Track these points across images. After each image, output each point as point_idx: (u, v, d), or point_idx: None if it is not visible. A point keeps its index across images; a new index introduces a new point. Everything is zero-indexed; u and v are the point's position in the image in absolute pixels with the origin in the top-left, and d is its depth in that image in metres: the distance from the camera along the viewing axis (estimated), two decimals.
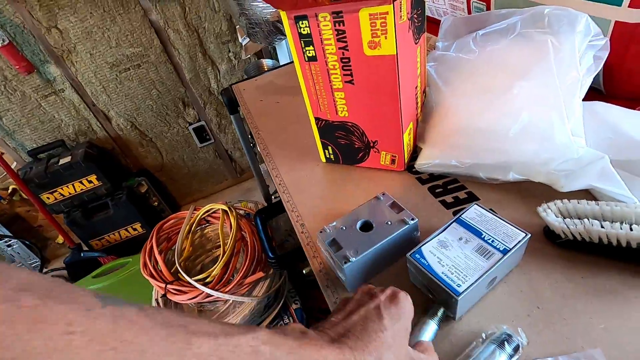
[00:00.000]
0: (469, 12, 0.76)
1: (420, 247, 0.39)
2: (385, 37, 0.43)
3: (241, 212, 1.04)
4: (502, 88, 0.50)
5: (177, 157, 1.91)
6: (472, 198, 0.50)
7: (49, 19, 1.36)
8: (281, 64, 1.44)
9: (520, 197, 0.49)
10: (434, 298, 0.38)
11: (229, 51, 1.70)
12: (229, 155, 2.04)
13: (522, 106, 0.48)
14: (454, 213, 0.49)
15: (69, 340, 0.17)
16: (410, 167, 0.58)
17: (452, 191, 0.52)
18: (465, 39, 0.60)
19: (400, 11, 0.42)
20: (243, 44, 1.43)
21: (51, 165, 1.51)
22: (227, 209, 0.96)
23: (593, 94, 0.56)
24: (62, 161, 1.51)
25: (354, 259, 0.39)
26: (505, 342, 0.33)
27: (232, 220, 0.92)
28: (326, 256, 0.44)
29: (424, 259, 0.38)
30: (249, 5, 1.01)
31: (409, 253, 0.38)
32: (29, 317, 0.16)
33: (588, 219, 0.37)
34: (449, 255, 0.37)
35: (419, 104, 0.58)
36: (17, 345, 0.16)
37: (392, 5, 0.40)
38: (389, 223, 0.43)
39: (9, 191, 1.66)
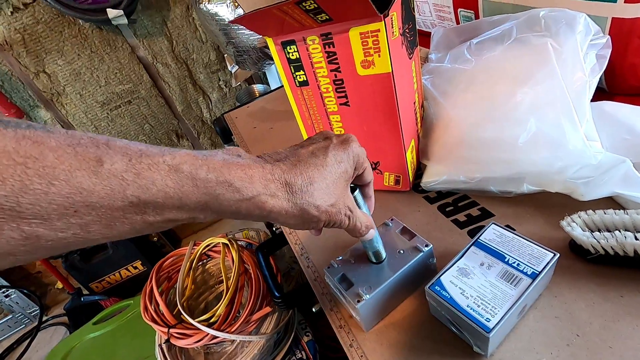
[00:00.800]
0: (457, 22, 0.74)
1: (439, 277, 0.35)
2: (379, 55, 0.41)
3: (242, 243, 1.00)
4: (504, 96, 0.48)
5: None
6: (486, 214, 0.47)
7: (37, 64, 1.36)
8: (272, 88, 1.43)
9: (538, 210, 0.45)
10: (459, 333, 0.35)
11: (219, 80, 1.70)
12: None
13: (528, 113, 0.45)
14: (469, 233, 0.45)
15: None
16: (416, 186, 0.55)
17: (464, 208, 0.49)
18: (459, 49, 0.58)
19: (392, 27, 0.40)
20: (232, 72, 1.43)
21: None
22: (227, 242, 0.92)
23: (596, 93, 0.54)
24: None
25: (367, 296, 0.35)
26: None
27: (233, 253, 0.89)
28: (336, 294, 0.41)
29: (445, 290, 0.34)
30: (235, 34, 1.00)
31: (428, 285, 0.35)
32: None
33: (620, 231, 0.34)
34: (472, 284, 0.34)
35: (419, 120, 0.56)
36: None
37: (383, 22, 0.38)
38: (402, 252, 0.39)
39: None
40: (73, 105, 1.48)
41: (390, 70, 0.41)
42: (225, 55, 1.58)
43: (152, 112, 1.63)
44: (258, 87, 1.58)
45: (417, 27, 0.86)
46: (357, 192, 0.33)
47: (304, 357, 0.89)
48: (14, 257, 0.19)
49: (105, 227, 0.20)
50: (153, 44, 1.50)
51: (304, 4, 0.35)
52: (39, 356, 1.59)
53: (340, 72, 0.44)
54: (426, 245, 0.39)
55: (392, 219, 0.43)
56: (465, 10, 0.70)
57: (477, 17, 0.68)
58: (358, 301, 0.35)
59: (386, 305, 0.38)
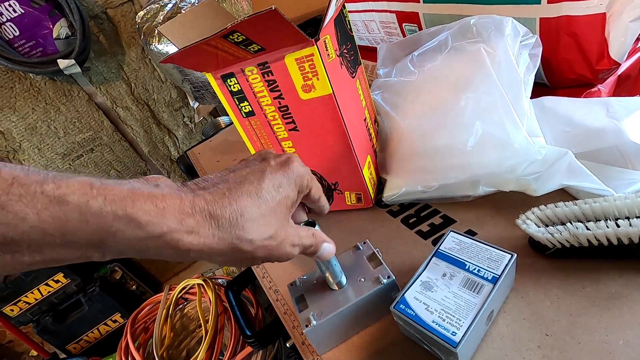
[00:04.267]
0: (404, 36, 0.77)
1: (404, 294, 0.34)
2: (317, 79, 0.41)
3: (222, 280, 0.97)
4: (449, 103, 0.49)
5: None
6: (448, 222, 0.47)
7: None
8: None
9: (497, 210, 0.46)
10: (430, 350, 0.33)
11: (184, 116, 1.69)
12: None
13: (473, 117, 0.46)
14: (433, 242, 0.45)
15: None
16: (379, 201, 0.54)
17: (426, 218, 0.49)
18: (403, 62, 0.59)
19: (327, 50, 0.41)
20: (194, 107, 1.42)
21: (10, 274, 1.39)
22: (202, 282, 0.88)
23: (541, 89, 0.56)
24: None
25: (315, 322, 0.34)
26: None
27: (209, 294, 0.85)
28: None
29: (410, 308, 0.33)
30: (189, 70, 1.00)
31: (393, 304, 0.34)
32: None
33: (571, 223, 0.34)
34: (435, 297, 0.33)
35: (373, 135, 0.56)
36: None
37: (315, 46, 0.38)
38: (362, 280, 0.37)
39: None
40: (32, 160, 1.43)
41: (332, 92, 0.42)
42: (185, 91, 1.58)
43: (117, 157, 1.59)
44: (224, 119, 1.57)
45: (368, 44, 0.88)
46: (317, 227, 0.32)
47: None
48: None
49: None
50: (111, 89, 1.48)
51: (231, 37, 0.35)
52: None
53: (283, 98, 0.44)
54: (388, 277, 0.37)
55: (364, 242, 0.42)
56: (409, 24, 0.73)
57: (420, 29, 0.71)
58: (306, 325, 0.34)
59: (341, 331, 0.37)
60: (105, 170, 1.59)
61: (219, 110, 1.75)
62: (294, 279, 0.40)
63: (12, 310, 1.41)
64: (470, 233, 0.44)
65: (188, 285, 0.93)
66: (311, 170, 0.51)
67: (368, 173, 0.52)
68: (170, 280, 1.94)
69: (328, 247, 0.32)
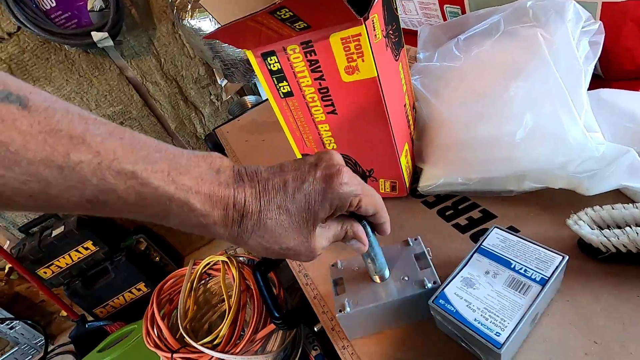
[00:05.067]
0: (444, 19, 0.73)
1: (443, 289, 0.33)
2: (362, 60, 0.39)
3: (242, 259, 0.98)
4: (496, 91, 0.46)
5: None
6: (487, 216, 0.45)
7: None
8: (263, 99, 1.42)
9: (542, 208, 0.43)
10: (469, 348, 0.32)
11: (210, 94, 1.69)
12: None
13: (523, 107, 0.43)
14: (472, 237, 0.43)
15: None
16: (413, 191, 0.53)
17: (464, 211, 0.47)
18: (447, 47, 0.56)
19: (374, 30, 0.39)
20: (223, 86, 1.41)
21: (44, 238, 1.46)
22: (226, 259, 0.90)
23: (591, 81, 0.52)
24: (55, 232, 1.46)
25: (348, 309, 0.34)
26: None
27: (233, 271, 0.86)
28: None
29: (450, 304, 0.32)
30: (220, 47, 0.99)
31: (432, 299, 0.33)
32: None
33: (630, 227, 0.32)
34: (478, 295, 0.32)
35: (411, 122, 0.54)
36: None
37: (363, 25, 0.36)
38: (406, 279, 0.36)
39: (6, 271, 1.60)
40: None
41: (376, 75, 0.40)
42: (215, 69, 1.57)
43: (145, 131, 1.62)
44: (250, 99, 1.56)
45: (404, 27, 0.85)
46: (364, 222, 0.31)
47: None
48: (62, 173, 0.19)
49: (57, 208, 0.21)
50: (141, 64, 1.49)
51: (278, 13, 0.33)
52: None
53: (324, 80, 0.42)
54: (434, 282, 0.35)
55: (415, 238, 0.40)
56: (451, 6, 0.69)
57: (463, 12, 0.67)
58: (340, 310, 0.34)
59: (375, 324, 0.37)
60: None
61: (245, 90, 1.74)
62: (336, 260, 0.40)
63: (45, 272, 1.48)
64: (512, 230, 0.42)
65: (212, 261, 0.94)
66: (345, 155, 0.50)
67: (405, 161, 0.50)
68: (192, 255, 2.00)
69: (355, 245, 0.31)
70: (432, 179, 0.50)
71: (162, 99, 1.59)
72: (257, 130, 0.91)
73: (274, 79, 0.45)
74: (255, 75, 1.10)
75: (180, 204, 0.23)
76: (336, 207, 0.27)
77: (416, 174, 0.55)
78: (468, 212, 0.47)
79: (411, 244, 0.39)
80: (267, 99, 1.13)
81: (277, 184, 0.26)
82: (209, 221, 0.24)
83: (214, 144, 1.00)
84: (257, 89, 1.69)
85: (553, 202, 0.43)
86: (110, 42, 1.31)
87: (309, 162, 0.28)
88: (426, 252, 0.38)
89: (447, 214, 0.48)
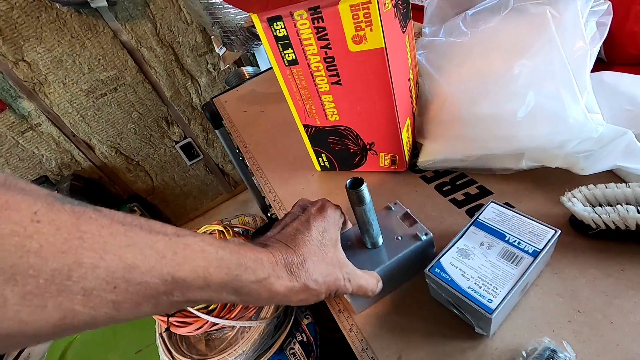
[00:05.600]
0: None
1: (439, 259, 0.35)
2: (371, 29, 0.38)
3: (239, 229, 0.99)
4: (500, 69, 0.46)
5: (167, 178, 1.86)
6: (484, 193, 0.46)
7: (15, 52, 1.30)
8: (262, 70, 1.40)
9: (537, 186, 0.44)
10: (460, 315, 0.34)
11: (207, 63, 1.65)
12: (220, 170, 1.99)
13: (526, 86, 0.44)
14: (468, 212, 0.45)
15: (37, 227, 0.17)
16: (412, 166, 0.54)
17: (462, 187, 0.48)
18: (453, 22, 0.55)
19: None
20: (220, 54, 1.38)
21: None
22: (222, 229, 0.91)
23: (594, 64, 0.53)
24: None
25: None
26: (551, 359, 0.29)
27: None
28: None
29: (445, 272, 0.33)
30: (220, 13, 0.96)
31: (428, 268, 0.34)
32: None
33: (621, 205, 0.33)
34: (472, 265, 0.33)
35: (414, 97, 0.54)
36: None
37: None
38: (399, 238, 0.38)
39: None
40: (57, 94, 1.43)
41: (383, 45, 0.39)
42: (212, 37, 1.53)
43: (140, 99, 1.59)
44: (247, 69, 1.53)
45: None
46: (364, 185, 0.33)
47: (305, 340, 0.89)
48: (36, 338, 0.18)
49: (134, 306, 0.20)
50: (136, 27, 1.45)
51: None
52: (40, 348, 1.60)
53: (330, 48, 0.42)
54: (426, 234, 0.37)
55: (395, 203, 0.42)
56: None
57: None
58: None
59: (384, 289, 0.38)
60: (128, 111, 1.59)
61: (243, 61, 1.70)
62: None
63: None
64: (508, 206, 0.43)
65: (209, 230, 0.95)
66: (347, 127, 0.50)
67: (406, 136, 0.51)
68: (185, 225, 2.01)
69: (380, 285, 0.36)
70: (432, 155, 0.51)
71: (158, 66, 1.55)
72: (256, 101, 0.90)
73: (279, 45, 0.44)
74: (255, 45, 1.08)
75: (239, 265, 0.25)
76: (337, 225, 0.35)
77: (415, 149, 0.56)
78: (465, 188, 0.48)
79: (392, 208, 0.41)
80: (265, 70, 1.10)
81: (292, 232, 0.31)
82: (264, 275, 0.27)
83: (212, 114, 0.99)
84: (256, 59, 1.66)
85: (548, 181, 0.44)
86: (104, 2, 1.26)
87: (298, 211, 0.35)
88: (409, 211, 0.40)
89: (444, 189, 0.49)
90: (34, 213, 0.17)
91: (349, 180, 0.33)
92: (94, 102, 1.51)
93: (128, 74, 1.51)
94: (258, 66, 1.61)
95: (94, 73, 1.45)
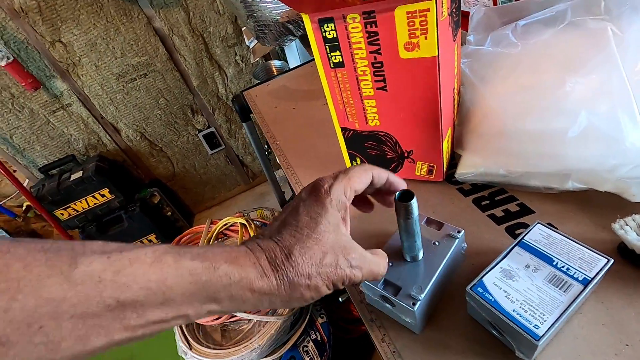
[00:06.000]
0: (494, 3, 0.70)
1: (482, 278, 0.34)
2: (426, 37, 0.38)
3: (257, 223, 1.00)
4: (551, 85, 0.45)
5: (188, 166, 1.89)
6: (525, 211, 0.45)
7: (53, 33, 1.33)
8: (291, 66, 1.39)
9: (582, 209, 0.43)
10: (500, 336, 0.33)
11: (236, 54, 1.66)
12: (240, 161, 2.01)
13: (578, 104, 0.42)
14: (507, 230, 0.44)
15: None
16: (448, 177, 0.53)
17: (501, 203, 0.47)
18: (501, 32, 0.54)
19: (442, 7, 0.37)
20: (250, 47, 1.38)
21: (63, 181, 1.49)
22: (245, 222, 0.92)
23: None
24: (73, 176, 1.49)
25: (421, 296, 0.34)
26: None
27: (251, 233, 0.88)
28: (377, 302, 0.38)
29: (488, 292, 0.33)
30: (257, 7, 0.96)
31: (469, 286, 0.33)
32: None
33: None
34: (517, 287, 0.32)
35: (456, 107, 0.53)
36: None
37: (434, 0, 0.35)
38: (436, 243, 0.38)
39: (24, 208, 1.65)
40: (89, 76, 1.46)
41: (437, 54, 0.38)
42: (243, 29, 1.53)
43: (168, 86, 1.61)
44: (276, 64, 1.53)
45: None
46: (414, 199, 0.31)
47: (319, 338, 0.90)
48: None
49: (77, 342, 0.18)
50: (169, 15, 1.46)
51: None
52: None
53: (380, 54, 0.41)
54: (458, 231, 0.38)
55: None
56: None
57: None
58: (413, 304, 0.33)
59: (432, 303, 0.37)
60: (155, 97, 1.61)
61: (271, 55, 1.70)
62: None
63: (62, 214, 1.52)
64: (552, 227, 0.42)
65: (230, 222, 0.96)
66: (387, 133, 0.50)
67: (446, 146, 0.50)
68: (203, 213, 2.04)
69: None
70: (471, 167, 0.50)
71: (187, 54, 1.57)
72: (288, 98, 0.89)
73: (327, 47, 0.44)
74: (287, 40, 1.07)
75: (205, 269, 0.23)
76: (337, 202, 0.28)
77: (452, 160, 0.55)
78: (505, 205, 0.46)
79: None
80: (295, 67, 1.10)
81: (279, 224, 0.28)
82: (241, 275, 0.24)
83: (241, 107, 0.99)
84: (284, 54, 1.66)
85: (594, 204, 0.43)
86: None
87: (296, 197, 0.31)
88: (431, 217, 0.40)
89: (482, 203, 0.48)
90: None
91: (398, 192, 0.32)
92: (123, 86, 1.53)
93: (158, 61, 1.53)
94: (287, 61, 1.61)
95: (126, 58, 1.47)
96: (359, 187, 0.31)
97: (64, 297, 0.17)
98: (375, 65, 0.43)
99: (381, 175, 0.33)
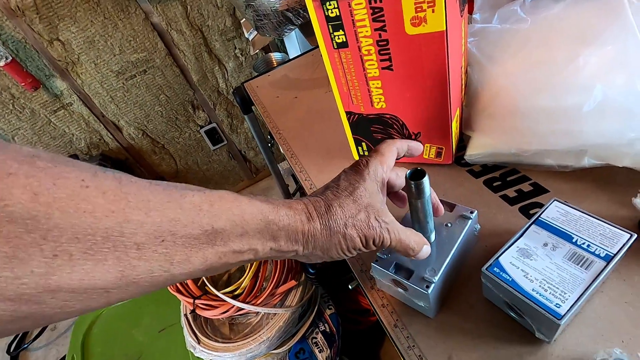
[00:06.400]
0: None
1: (497, 257, 0.32)
2: (433, 11, 0.36)
3: None
4: (564, 60, 0.43)
5: (191, 162, 1.88)
6: (539, 190, 0.43)
7: (50, 31, 1.32)
8: (291, 57, 1.37)
9: (599, 186, 0.42)
10: (519, 318, 0.32)
11: (235, 48, 1.64)
12: (242, 156, 2.00)
13: (593, 78, 0.40)
14: (521, 210, 0.42)
15: (87, 192, 0.19)
16: (457, 159, 0.51)
17: (513, 183, 0.45)
18: (509, 8, 0.52)
19: None
20: (250, 39, 1.36)
21: None
22: None
23: None
24: None
25: (435, 278, 0.32)
26: None
27: None
28: (390, 286, 0.37)
29: (505, 272, 0.31)
30: None
31: (485, 266, 0.32)
32: (48, 174, 0.18)
33: None
34: (535, 266, 0.31)
35: (463, 87, 0.51)
36: (47, 194, 0.17)
37: None
38: (449, 225, 0.37)
39: None
40: (88, 74, 1.45)
41: (445, 29, 0.37)
42: (242, 21, 1.51)
43: (168, 82, 1.59)
44: (276, 56, 1.51)
45: None
46: (427, 177, 0.30)
47: (327, 330, 0.89)
48: (108, 294, 0.20)
49: (184, 258, 0.22)
50: (167, 10, 1.44)
51: None
52: (68, 320, 1.66)
53: (385, 31, 0.40)
54: (471, 212, 0.37)
55: None
56: None
57: None
58: (427, 286, 0.32)
59: (446, 286, 0.36)
60: (156, 94, 1.60)
61: (271, 47, 1.68)
62: (375, 256, 0.37)
63: None
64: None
65: None
66: (393, 115, 0.48)
67: (455, 127, 0.48)
68: None
69: (427, 250, 0.33)
70: (481, 148, 0.48)
71: (186, 49, 1.55)
72: (289, 87, 0.88)
73: (330, 26, 0.42)
74: (287, 30, 1.05)
75: (271, 210, 0.27)
76: (374, 174, 0.32)
77: (461, 142, 0.53)
78: (517, 185, 0.45)
79: None
80: (295, 57, 1.08)
81: (322, 189, 0.33)
82: (293, 219, 0.28)
83: (242, 98, 0.98)
84: (284, 46, 1.64)
85: (611, 180, 0.41)
86: None
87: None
88: (441, 199, 0.39)
89: (494, 184, 0.46)
90: (82, 180, 0.19)
91: (409, 170, 0.31)
92: (123, 83, 1.52)
93: (157, 57, 1.52)
94: (287, 53, 1.59)
95: (125, 54, 1.46)
96: (391, 162, 0.34)
97: (179, 218, 0.22)
98: (380, 43, 0.41)
99: (402, 145, 0.36)
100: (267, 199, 0.28)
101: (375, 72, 0.44)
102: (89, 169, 0.20)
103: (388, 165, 0.34)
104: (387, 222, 0.31)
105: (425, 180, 0.30)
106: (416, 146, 0.37)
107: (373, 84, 0.46)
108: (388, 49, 0.41)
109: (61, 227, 0.17)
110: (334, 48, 0.44)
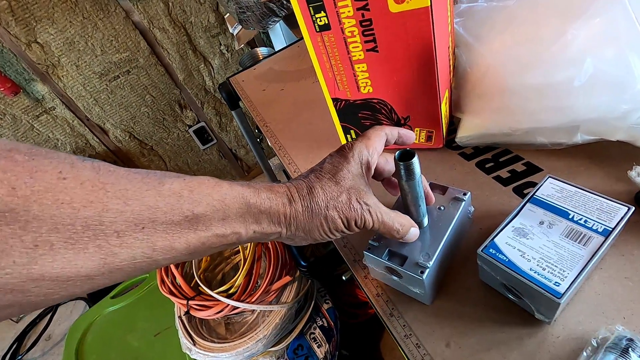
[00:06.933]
0: None
1: (493, 238, 0.31)
2: None
3: None
4: (552, 35, 0.42)
5: (181, 163, 1.85)
6: (532, 169, 0.42)
7: (27, 33, 1.28)
8: (276, 50, 1.35)
9: (593, 161, 0.41)
10: (517, 299, 0.31)
11: (220, 44, 1.61)
12: (233, 154, 1.97)
13: (582, 52, 0.39)
14: (515, 190, 0.41)
15: (64, 183, 0.19)
16: (448, 142, 0.50)
17: (506, 164, 0.44)
18: None
19: None
20: (234, 34, 1.34)
21: None
22: None
23: None
24: None
25: (430, 263, 0.31)
26: (630, 350, 0.25)
27: None
28: (384, 274, 0.36)
29: (502, 253, 0.30)
30: None
31: (481, 248, 0.31)
32: (26, 168, 0.18)
33: None
34: (532, 245, 0.30)
35: (451, 68, 0.50)
36: (25, 188, 0.18)
37: None
38: (442, 208, 0.36)
39: None
40: (70, 77, 1.41)
41: (429, 4, 0.35)
42: (226, 16, 1.49)
43: (153, 81, 1.56)
44: (262, 50, 1.49)
45: None
46: (416, 157, 0.29)
47: (325, 325, 0.88)
48: (92, 281, 0.20)
49: (166, 245, 0.22)
50: (148, 7, 1.41)
51: None
52: (61, 329, 1.63)
53: (368, 10, 0.38)
54: (464, 193, 0.36)
55: None
56: None
57: None
58: (421, 272, 0.31)
59: (441, 271, 0.35)
60: (141, 94, 1.57)
61: (257, 41, 1.66)
62: (367, 244, 0.36)
63: None
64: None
65: None
66: (381, 100, 0.47)
67: (445, 110, 0.47)
68: None
69: (414, 232, 0.33)
70: (472, 130, 0.47)
71: (170, 47, 1.52)
72: (275, 79, 0.86)
73: (311, 8, 0.40)
74: (272, 22, 1.03)
75: (252, 192, 0.28)
76: (359, 157, 0.32)
77: (451, 125, 0.52)
78: (510, 165, 0.44)
79: None
80: (281, 49, 1.06)
81: (304, 173, 0.33)
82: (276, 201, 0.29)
83: (228, 94, 0.96)
84: (270, 40, 1.61)
85: (606, 155, 0.40)
86: None
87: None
88: (434, 182, 0.39)
89: (486, 166, 0.45)
90: (59, 172, 0.19)
91: (398, 151, 0.29)
92: (107, 85, 1.49)
93: (141, 56, 1.48)
94: (272, 47, 1.57)
95: (107, 55, 1.43)
96: (379, 147, 0.34)
97: (158, 206, 0.22)
98: (363, 23, 0.39)
99: (392, 132, 0.36)
100: (248, 183, 0.28)
101: (360, 55, 0.43)
102: (67, 159, 0.20)
103: (375, 148, 0.33)
104: (369, 204, 0.31)
105: (415, 161, 0.29)
106: (407, 134, 0.37)
107: (358, 68, 0.44)
108: (372, 30, 0.40)
109: (40, 218, 0.18)
110: (317, 31, 0.42)
